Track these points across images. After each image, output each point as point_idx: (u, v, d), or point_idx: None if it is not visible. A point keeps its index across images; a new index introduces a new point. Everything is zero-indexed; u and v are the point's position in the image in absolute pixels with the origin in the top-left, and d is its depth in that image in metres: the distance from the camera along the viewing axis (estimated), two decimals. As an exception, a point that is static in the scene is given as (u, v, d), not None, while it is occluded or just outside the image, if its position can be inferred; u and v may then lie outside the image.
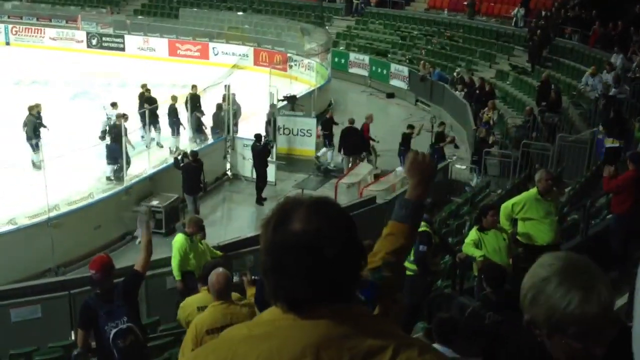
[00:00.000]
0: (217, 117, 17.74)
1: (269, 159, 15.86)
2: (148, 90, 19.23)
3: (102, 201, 13.86)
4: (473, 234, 7.70)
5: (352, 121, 17.31)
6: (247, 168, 16.50)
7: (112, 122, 16.64)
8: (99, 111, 18.14)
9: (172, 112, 18.07)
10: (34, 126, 16.81)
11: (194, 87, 18.69)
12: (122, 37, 30.68)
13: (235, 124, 17.78)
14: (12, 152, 16.84)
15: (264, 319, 1.52)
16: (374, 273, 2.14)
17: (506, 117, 19.49)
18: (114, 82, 25.22)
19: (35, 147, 16.33)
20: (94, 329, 5.53)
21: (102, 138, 16.64)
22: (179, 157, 14.74)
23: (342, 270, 1.46)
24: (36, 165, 15.95)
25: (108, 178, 15.47)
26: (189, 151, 15.05)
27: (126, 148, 14.83)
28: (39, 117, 17.24)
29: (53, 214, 12.62)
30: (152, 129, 17.97)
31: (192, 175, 14.23)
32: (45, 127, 17.15)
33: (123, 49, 30.39)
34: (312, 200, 1.52)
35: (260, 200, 15.46)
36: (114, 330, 5.37)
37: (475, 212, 10.17)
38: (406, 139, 16.79)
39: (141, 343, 5.62)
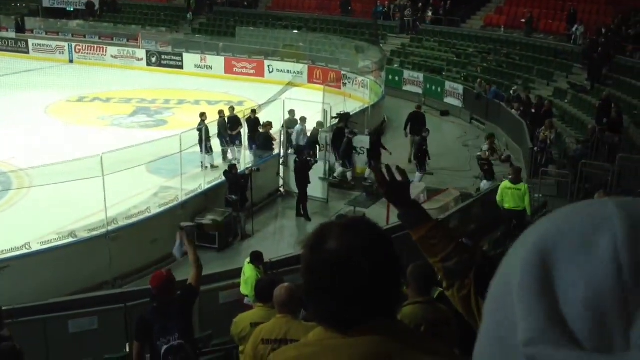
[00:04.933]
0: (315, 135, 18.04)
1: (321, 176, 15.89)
2: (232, 109, 19.20)
3: (159, 216, 14.13)
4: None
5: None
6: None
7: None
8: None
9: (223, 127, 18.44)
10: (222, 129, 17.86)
11: (253, 111, 18.93)
12: (181, 55, 31.46)
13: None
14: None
15: (311, 339, 1.53)
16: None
17: (564, 136, 19.07)
18: (172, 99, 25.84)
19: (209, 150, 17.50)
20: (148, 342, 5.62)
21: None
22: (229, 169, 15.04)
23: (381, 286, 1.47)
24: (204, 167, 17.30)
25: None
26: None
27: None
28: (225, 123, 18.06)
29: (111, 227, 12.94)
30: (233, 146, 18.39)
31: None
32: (231, 134, 18.05)
33: (181, 67, 31.16)
34: (346, 220, 1.57)
35: (304, 216, 15.53)
36: (165, 347, 5.45)
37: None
38: None
39: (191, 360, 5.67)
